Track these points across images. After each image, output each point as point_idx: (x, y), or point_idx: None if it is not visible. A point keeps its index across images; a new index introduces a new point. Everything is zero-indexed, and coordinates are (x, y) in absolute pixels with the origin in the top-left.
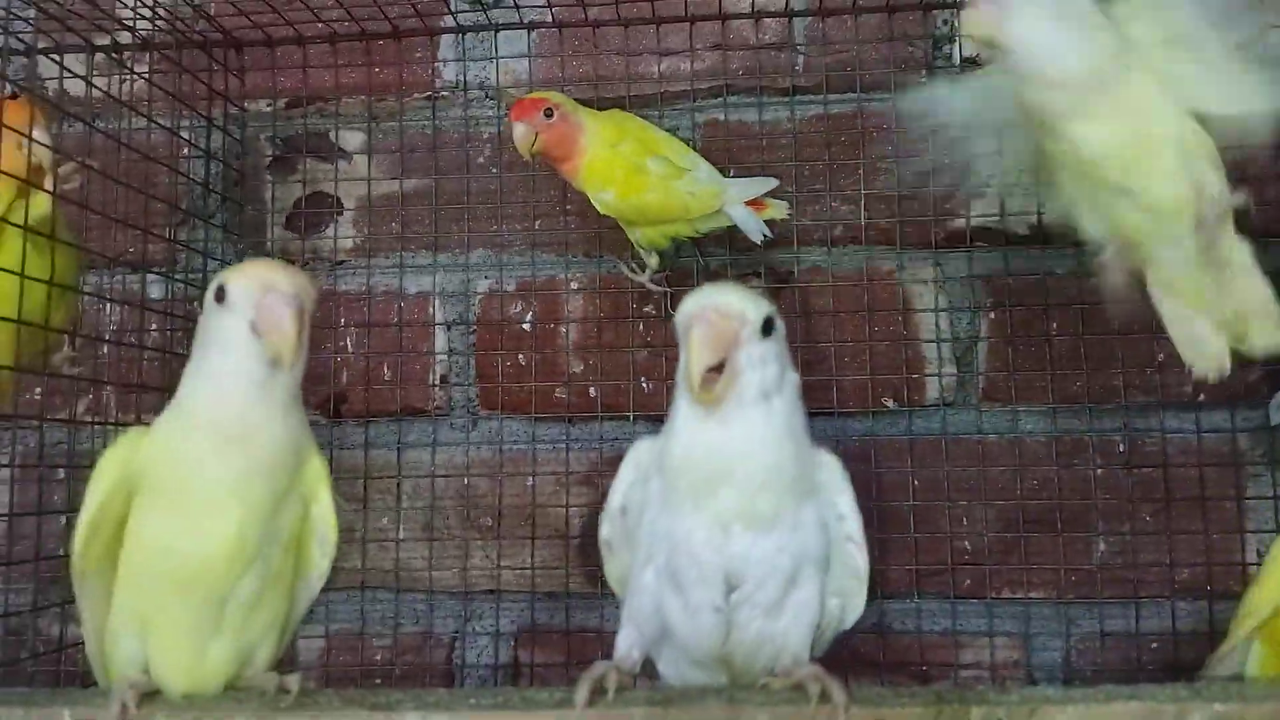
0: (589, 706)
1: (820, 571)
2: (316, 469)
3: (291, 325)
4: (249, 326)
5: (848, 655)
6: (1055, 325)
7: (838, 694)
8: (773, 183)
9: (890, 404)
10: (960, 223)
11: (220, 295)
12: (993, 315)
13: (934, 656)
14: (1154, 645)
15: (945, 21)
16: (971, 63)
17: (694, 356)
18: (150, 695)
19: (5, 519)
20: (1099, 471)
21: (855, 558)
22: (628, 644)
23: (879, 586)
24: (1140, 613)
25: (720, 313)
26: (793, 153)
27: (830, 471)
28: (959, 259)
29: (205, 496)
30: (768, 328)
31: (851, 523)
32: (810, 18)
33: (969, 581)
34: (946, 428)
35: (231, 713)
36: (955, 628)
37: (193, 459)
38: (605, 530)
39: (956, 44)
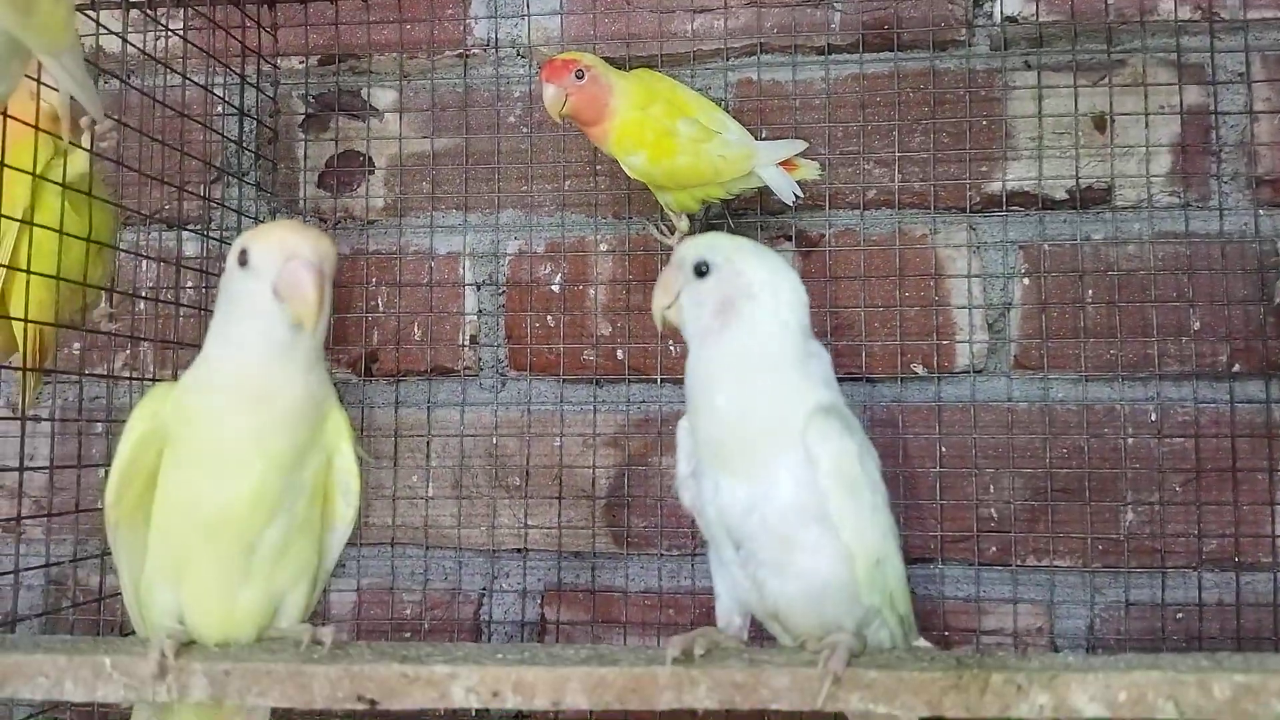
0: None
1: (827, 535)
2: (337, 422)
3: (314, 290)
4: (272, 290)
5: None
6: (1090, 293)
7: (832, 661)
8: (803, 145)
9: (920, 370)
10: (996, 186)
11: (243, 259)
12: (1026, 281)
13: (956, 622)
14: (1179, 616)
15: None
16: (1011, 21)
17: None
18: (187, 645)
19: (46, 471)
20: (1129, 441)
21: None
22: (725, 612)
23: (904, 554)
24: (1166, 583)
25: (675, 259)
26: (826, 114)
27: (818, 435)
28: (994, 223)
29: (229, 450)
30: (702, 270)
31: (830, 497)
32: None
33: (994, 549)
34: (976, 395)
35: (266, 662)
36: (979, 594)
37: (217, 415)
38: (686, 497)
39: (998, 2)
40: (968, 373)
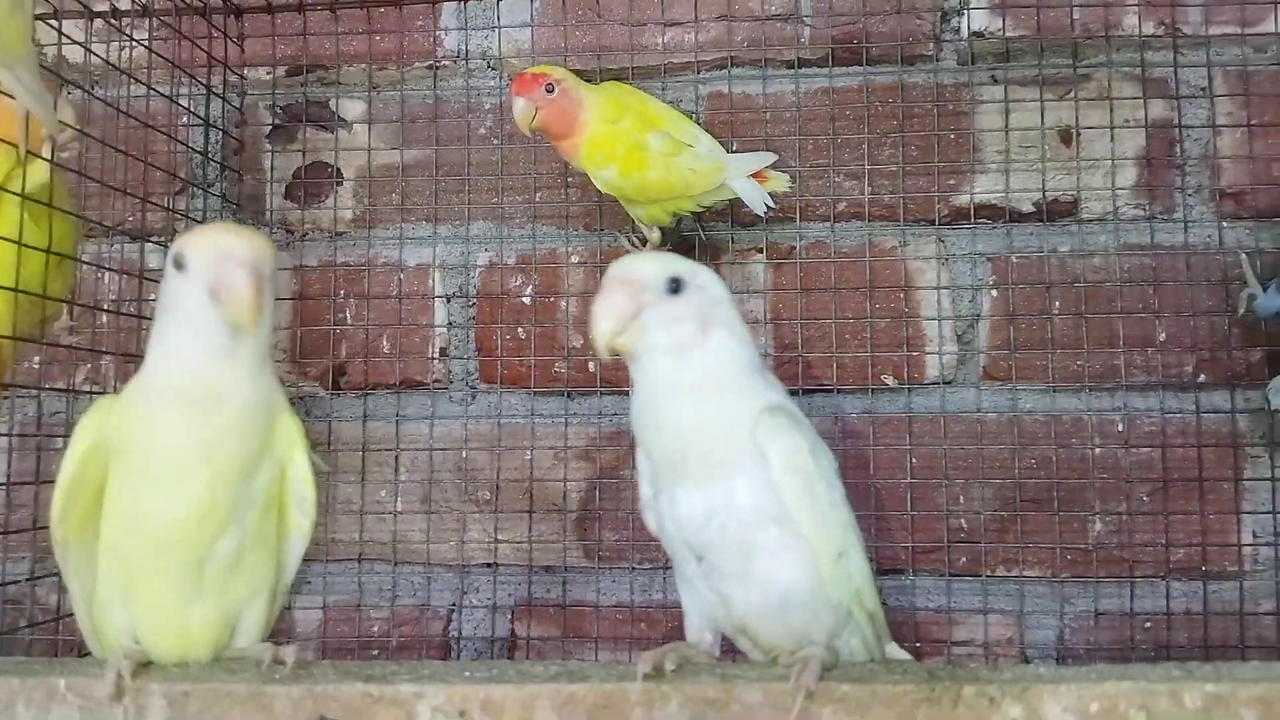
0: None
1: (786, 537)
2: (289, 429)
3: (249, 292)
4: (207, 293)
5: None
6: (1057, 304)
7: (805, 676)
8: (772, 157)
9: (890, 381)
10: (964, 199)
11: (179, 262)
12: (994, 293)
13: (927, 634)
14: (1147, 625)
15: None
16: (979, 36)
17: (595, 325)
18: (144, 665)
19: (3, 487)
20: (1097, 451)
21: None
22: (694, 629)
23: (873, 564)
24: (1135, 592)
25: (623, 281)
26: (797, 127)
27: (765, 431)
28: (962, 236)
29: (174, 461)
30: (675, 287)
31: (785, 492)
32: None
33: (964, 559)
34: (946, 405)
35: (226, 683)
36: (950, 605)
37: (160, 425)
38: (650, 520)
39: (965, 17)
40: (937, 384)
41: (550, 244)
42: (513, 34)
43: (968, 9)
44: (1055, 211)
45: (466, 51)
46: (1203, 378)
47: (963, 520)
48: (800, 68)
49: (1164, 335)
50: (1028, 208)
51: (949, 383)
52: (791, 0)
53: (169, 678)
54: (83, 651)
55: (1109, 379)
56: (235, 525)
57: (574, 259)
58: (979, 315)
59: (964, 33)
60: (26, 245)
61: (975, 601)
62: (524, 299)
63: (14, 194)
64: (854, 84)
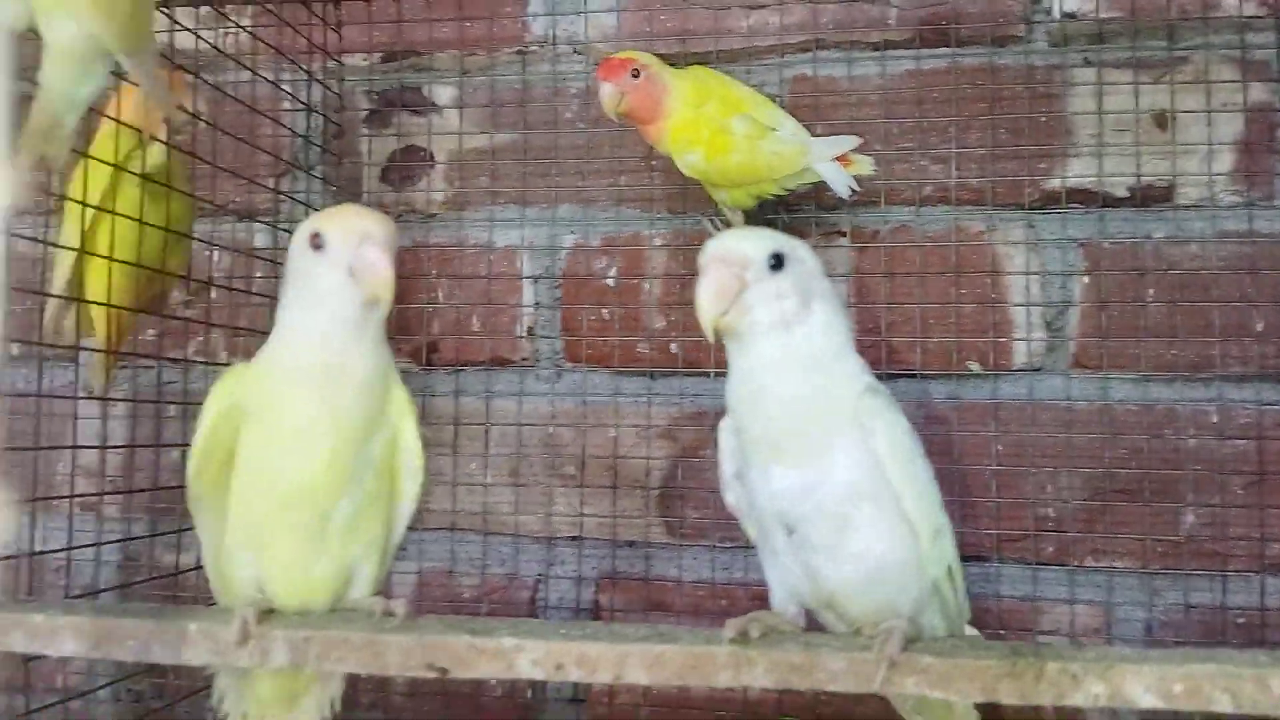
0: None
1: (882, 512)
2: (401, 399)
3: (389, 270)
4: (346, 272)
5: None
6: (1151, 292)
7: (889, 646)
8: (856, 141)
9: (975, 368)
10: (1055, 183)
11: (316, 241)
12: (1086, 280)
13: (1012, 621)
14: (1240, 620)
15: None
16: (1071, 17)
17: (700, 306)
18: (267, 613)
19: (123, 451)
20: (1191, 442)
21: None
22: (780, 603)
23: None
24: (1228, 586)
25: (723, 260)
26: (882, 110)
27: (869, 410)
28: (1053, 220)
29: (304, 425)
30: (777, 263)
31: (890, 469)
32: None
33: (1051, 549)
34: (1034, 393)
35: (343, 631)
36: (1035, 594)
37: (292, 393)
38: (730, 498)
39: None
40: (1025, 371)
41: (634, 227)
42: (599, 19)
43: None
44: (1150, 197)
45: (554, 37)
46: None
47: (1050, 509)
48: (887, 50)
49: (1262, 325)
50: (1121, 193)
51: (1037, 370)
52: None
53: (290, 624)
54: (206, 604)
55: (1204, 369)
56: (355, 486)
57: (657, 241)
58: (1070, 302)
59: (1056, 13)
60: (146, 223)
61: (1062, 591)
62: (608, 280)
63: (134, 174)
64: (942, 66)
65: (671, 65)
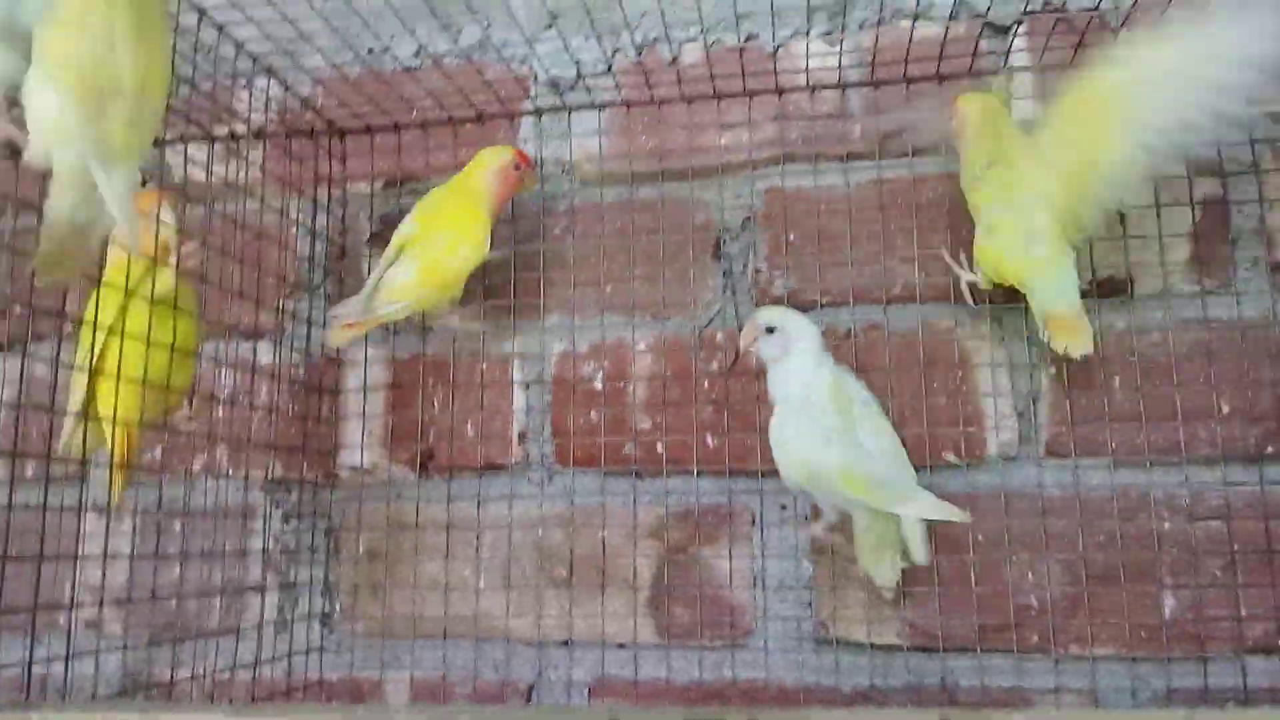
0: None
1: None
2: None
3: None
4: None
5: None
6: (1116, 380)
7: None
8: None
9: (951, 457)
10: None
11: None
12: (1052, 370)
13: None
14: (1226, 703)
15: (996, 89)
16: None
17: (740, 340)
18: None
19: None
20: (1165, 525)
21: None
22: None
23: (942, 641)
24: (1209, 669)
25: (752, 322)
26: (848, 216)
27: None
28: (1017, 314)
29: None
30: (769, 330)
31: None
32: (864, 89)
33: (1035, 637)
34: (1008, 482)
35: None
36: (1021, 685)
37: None
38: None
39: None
40: (999, 460)
41: (618, 333)
42: (583, 142)
43: (1010, 101)
44: (1109, 289)
45: (542, 159)
46: (1269, 449)
47: (1032, 597)
48: (850, 160)
49: (1227, 408)
50: (1081, 285)
51: (1011, 459)
52: (840, 101)
53: None
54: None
55: (1172, 453)
56: None
57: (640, 346)
58: (1038, 393)
59: None
60: (153, 344)
61: (1048, 681)
62: (595, 384)
63: (144, 298)
64: (902, 174)
65: (649, 180)
